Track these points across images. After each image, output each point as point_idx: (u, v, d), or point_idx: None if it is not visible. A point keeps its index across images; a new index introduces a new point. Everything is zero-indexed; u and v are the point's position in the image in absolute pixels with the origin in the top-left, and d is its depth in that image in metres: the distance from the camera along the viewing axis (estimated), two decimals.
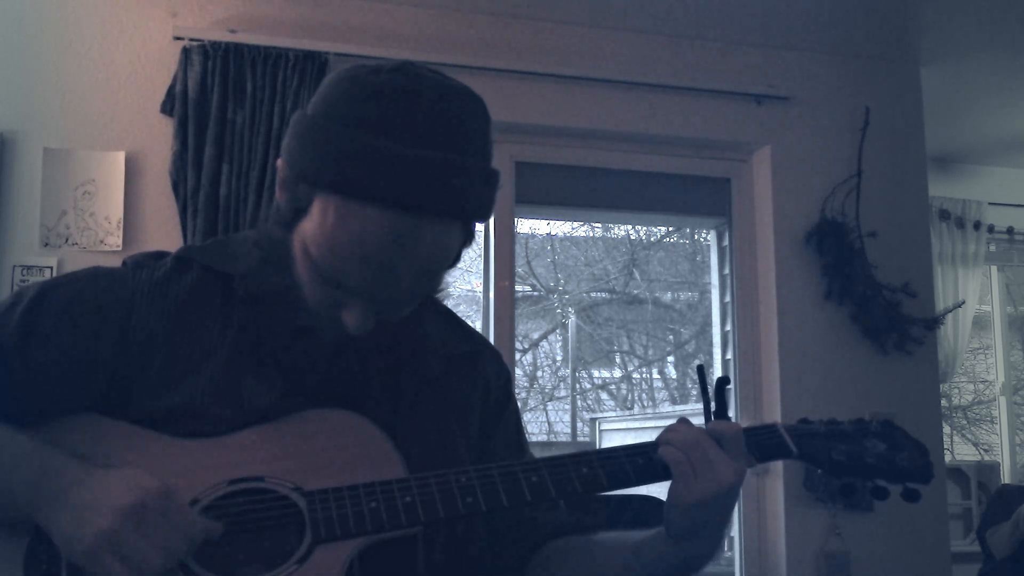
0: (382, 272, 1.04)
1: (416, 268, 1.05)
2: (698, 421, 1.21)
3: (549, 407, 10.13)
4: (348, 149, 1.01)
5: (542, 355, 10.23)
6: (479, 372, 1.30)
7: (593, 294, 10.01)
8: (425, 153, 1.00)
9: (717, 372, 3.76)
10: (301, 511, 1.04)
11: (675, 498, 1.09)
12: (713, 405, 1.18)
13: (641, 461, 1.12)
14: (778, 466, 3.45)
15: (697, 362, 9.40)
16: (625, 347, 10.32)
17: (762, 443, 1.16)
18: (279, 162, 1.10)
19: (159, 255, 1.20)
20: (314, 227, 1.04)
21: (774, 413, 3.53)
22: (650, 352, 10.29)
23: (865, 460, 1.18)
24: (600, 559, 1.19)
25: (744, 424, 3.77)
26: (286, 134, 1.10)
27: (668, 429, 1.13)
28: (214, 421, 1.09)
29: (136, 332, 1.12)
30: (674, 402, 9.93)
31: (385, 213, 1.01)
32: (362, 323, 1.08)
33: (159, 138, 3.09)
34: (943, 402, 3.93)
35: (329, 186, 1.02)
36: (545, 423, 10.05)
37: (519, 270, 4.70)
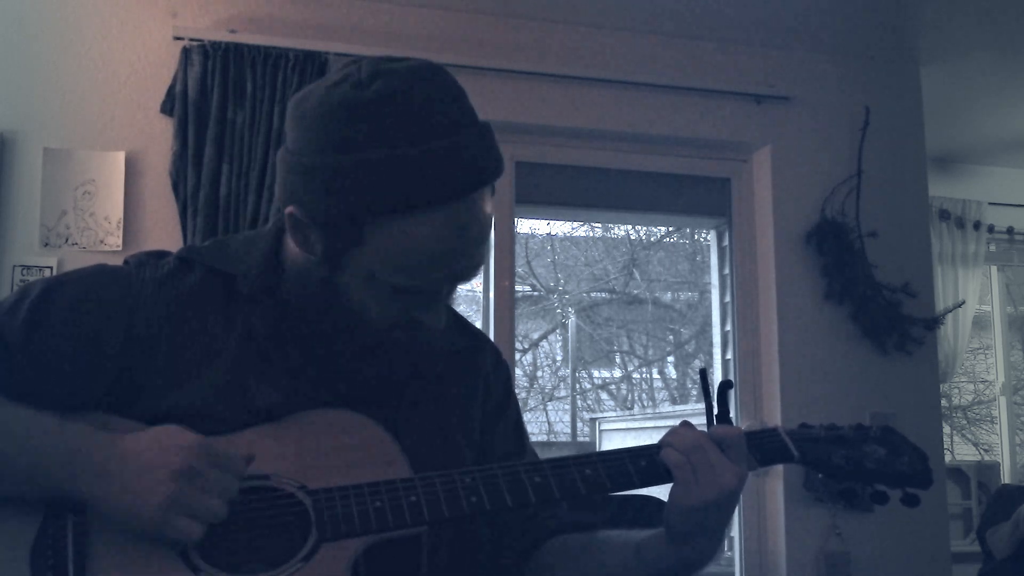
0: (459, 254, 1.07)
1: (480, 239, 1.09)
2: (699, 421, 1.21)
3: (549, 407, 10.13)
4: (383, 170, 1.02)
5: (542, 355, 10.23)
6: (479, 368, 1.31)
7: (593, 294, 10.02)
8: (449, 135, 1.04)
9: (717, 372, 3.76)
10: (306, 509, 1.05)
11: (676, 501, 1.10)
12: (715, 409, 1.18)
13: (644, 463, 1.13)
14: (778, 467, 3.45)
15: (699, 365, 9.40)
16: (625, 347, 10.33)
17: (764, 447, 1.17)
18: (290, 210, 1.08)
19: (161, 254, 1.20)
20: (377, 254, 1.06)
21: (774, 413, 3.53)
22: (650, 352, 10.30)
23: (865, 465, 1.19)
24: (600, 557, 1.20)
25: (744, 424, 3.74)
26: (287, 177, 1.08)
27: (671, 432, 1.14)
28: (220, 421, 1.09)
29: (141, 330, 1.12)
30: (674, 402, 9.93)
31: (447, 208, 1.04)
32: (442, 316, 1.13)
33: (159, 138, 3.09)
34: (943, 402, 3.93)
35: (385, 211, 1.03)
36: (545, 423, 10.06)
37: (519, 270, 4.71)
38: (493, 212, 1.12)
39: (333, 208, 1.05)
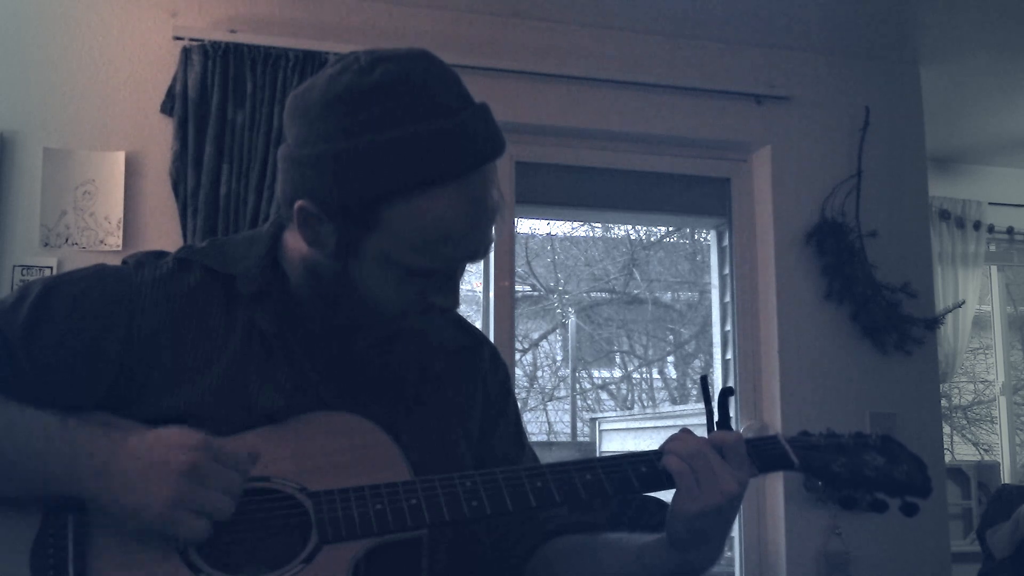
0: (476, 229, 1.09)
1: (491, 217, 1.10)
2: (699, 421, 1.21)
3: (549, 407, 10.13)
4: (392, 151, 1.03)
5: (542, 355, 10.23)
6: (478, 368, 1.31)
7: (593, 294, 10.01)
8: (450, 112, 1.05)
9: (717, 372, 3.76)
10: (307, 512, 1.05)
11: (678, 508, 1.10)
12: (716, 415, 1.19)
13: (645, 469, 1.13)
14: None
15: (699, 365, 9.40)
16: (625, 347, 10.33)
17: (764, 454, 1.17)
18: (300, 204, 1.08)
19: (159, 254, 1.20)
20: (393, 237, 1.06)
21: (774, 413, 3.53)
22: (650, 352, 10.30)
23: (864, 473, 1.19)
24: (601, 560, 1.20)
25: (744, 425, 3.73)
26: (296, 177, 1.09)
27: (672, 439, 1.14)
28: (220, 423, 1.09)
29: (141, 330, 1.12)
30: (674, 402, 9.93)
31: (458, 184, 1.05)
32: (456, 297, 1.14)
33: (159, 138, 3.09)
34: (943, 402, 3.93)
35: (398, 191, 1.04)
36: (545, 423, 10.05)
37: (519, 270, 4.71)
38: (500, 193, 1.14)
39: (346, 194, 1.06)
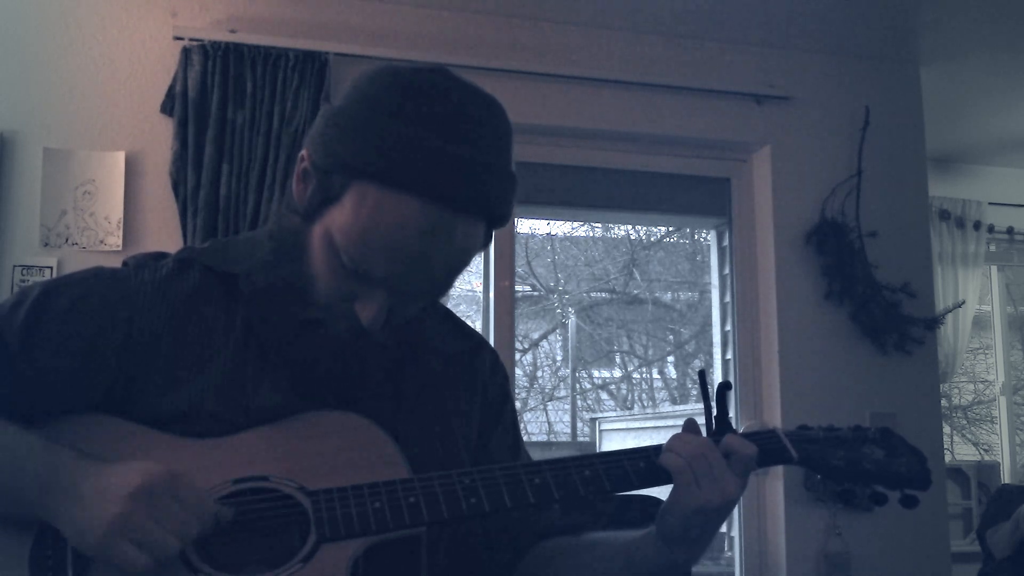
0: (411, 263, 1.06)
1: (443, 263, 1.07)
2: (699, 422, 1.21)
3: (549, 407, 10.12)
4: (394, 140, 1.03)
5: (542, 355, 10.22)
6: (477, 371, 1.31)
7: (593, 294, 10.01)
8: (469, 151, 1.04)
9: (717, 372, 3.76)
10: (306, 510, 1.05)
11: (674, 504, 1.10)
12: (715, 410, 1.18)
13: (643, 465, 1.13)
14: (778, 467, 3.44)
15: (700, 365, 9.40)
16: (625, 347, 10.32)
17: (763, 448, 1.17)
18: (303, 153, 1.11)
19: (159, 255, 1.21)
20: (346, 216, 1.05)
21: (774, 413, 3.53)
22: (650, 352, 10.29)
23: (863, 466, 1.19)
24: (588, 559, 1.21)
25: (744, 424, 3.73)
26: (315, 125, 1.11)
27: (675, 437, 1.14)
28: (219, 422, 1.09)
29: (140, 331, 1.12)
30: (674, 402, 9.93)
31: (424, 205, 1.03)
32: (377, 317, 1.09)
33: (159, 138, 3.09)
34: (943, 402, 3.93)
35: (371, 175, 1.04)
36: (545, 423, 10.05)
37: (519, 270, 4.70)
38: (466, 263, 1.10)
39: (330, 154, 1.07)
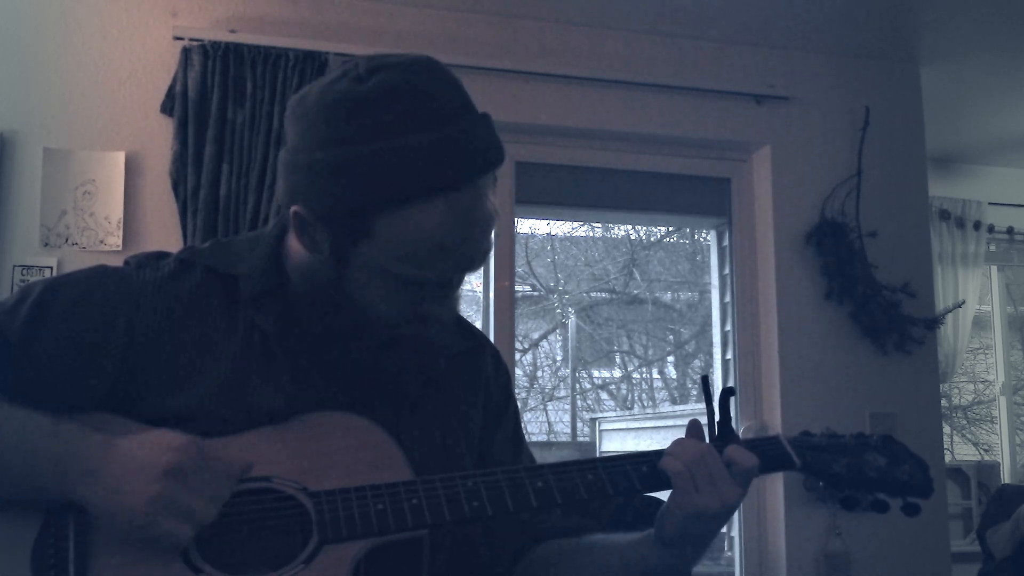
0: (463, 248, 1.08)
1: (486, 227, 1.09)
2: (701, 422, 1.22)
3: (549, 407, 10.13)
4: (388, 160, 1.02)
5: (542, 355, 10.22)
6: (480, 371, 1.31)
7: (593, 294, 10.01)
8: (450, 126, 1.04)
9: (717, 372, 3.76)
10: (308, 512, 1.05)
11: (673, 507, 1.11)
12: (718, 415, 1.19)
13: (645, 469, 1.13)
14: None
15: (699, 365, 9.40)
16: (625, 347, 10.32)
17: (766, 455, 1.18)
18: (295, 209, 1.08)
19: (161, 255, 1.20)
20: (384, 247, 1.06)
21: (774, 413, 3.53)
22: (650, 352, 10.29)
23: (865, 473, 1.20)
24: (588, 561, 1.21)
25: (745, 425, 3.72)
26: (290, 179, 1.08)
27: (677, 442, 1.15)
28: (221, 423, 1.09)
29: (142, 330, 1.12)
30: (674, 402, 9.93)
31: (449, 196, 1.04)
32: (453, 306, 1.14)
33: (159, 138, 3.09)
34: (943, 402, 3.93)
35: (390, 202, 1.03)
36: (545, 423, 10.05)
37: (519, 270, 4.70)
38: (496, 204, 1.13)
39: (338, 202, 1.05)
